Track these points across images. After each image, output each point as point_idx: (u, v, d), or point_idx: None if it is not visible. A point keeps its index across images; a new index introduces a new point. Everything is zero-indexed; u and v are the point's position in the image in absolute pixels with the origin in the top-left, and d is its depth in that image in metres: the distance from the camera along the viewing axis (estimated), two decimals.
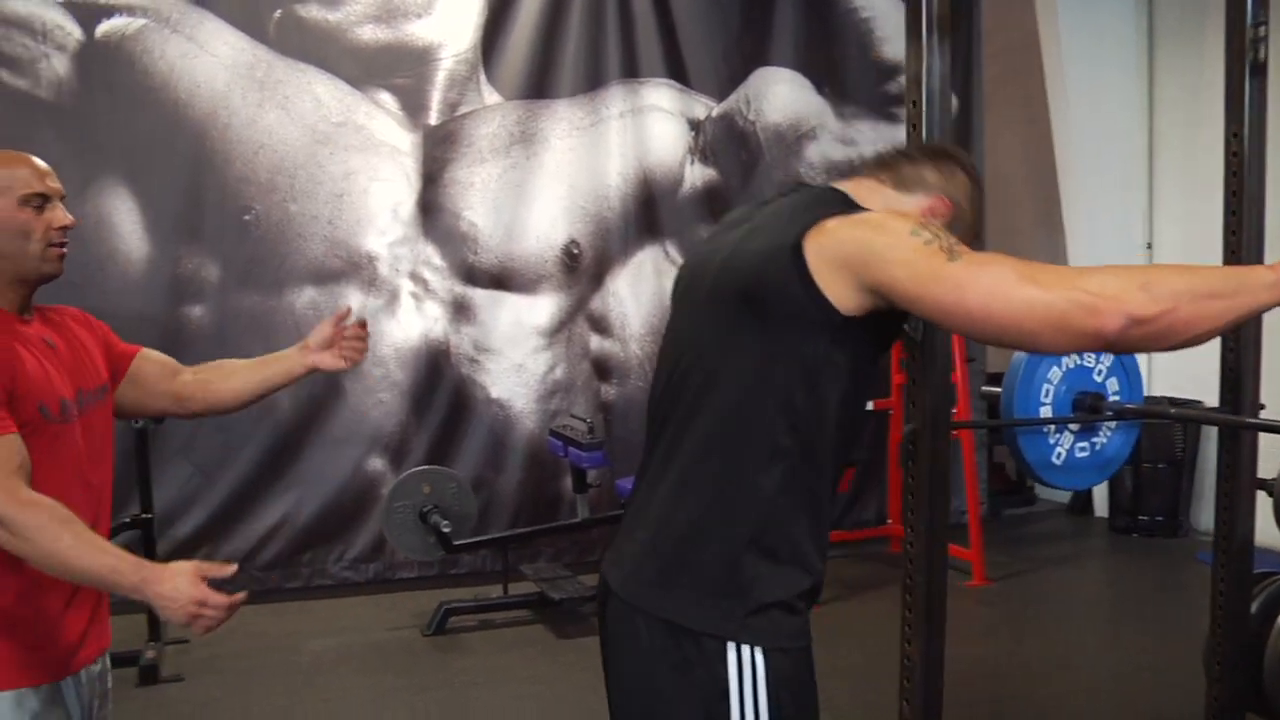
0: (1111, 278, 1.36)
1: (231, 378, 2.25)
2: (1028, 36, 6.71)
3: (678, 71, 6.03)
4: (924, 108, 2.46)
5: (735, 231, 1.69)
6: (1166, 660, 4.32)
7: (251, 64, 5.35)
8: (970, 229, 1.77)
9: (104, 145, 5.17)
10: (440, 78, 5.65)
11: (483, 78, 5.73)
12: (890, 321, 1.58)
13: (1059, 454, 2.93)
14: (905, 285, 1.45)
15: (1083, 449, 2.95)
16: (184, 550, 5.31)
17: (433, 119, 5.66)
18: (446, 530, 4.84)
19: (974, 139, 6.60)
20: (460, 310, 5.74)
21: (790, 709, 1.56)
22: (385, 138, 5.58)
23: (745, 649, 1.53)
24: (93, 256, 5.14)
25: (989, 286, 1.39)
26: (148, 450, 4.53)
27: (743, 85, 6.12)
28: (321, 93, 5.46)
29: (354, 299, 5.54)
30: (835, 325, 1.51)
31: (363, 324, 2.31)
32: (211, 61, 5.28)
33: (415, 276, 5.67)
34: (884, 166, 1.74)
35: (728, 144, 6.12)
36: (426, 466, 5.21)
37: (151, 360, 2.18)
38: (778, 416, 1.54)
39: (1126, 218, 6.64)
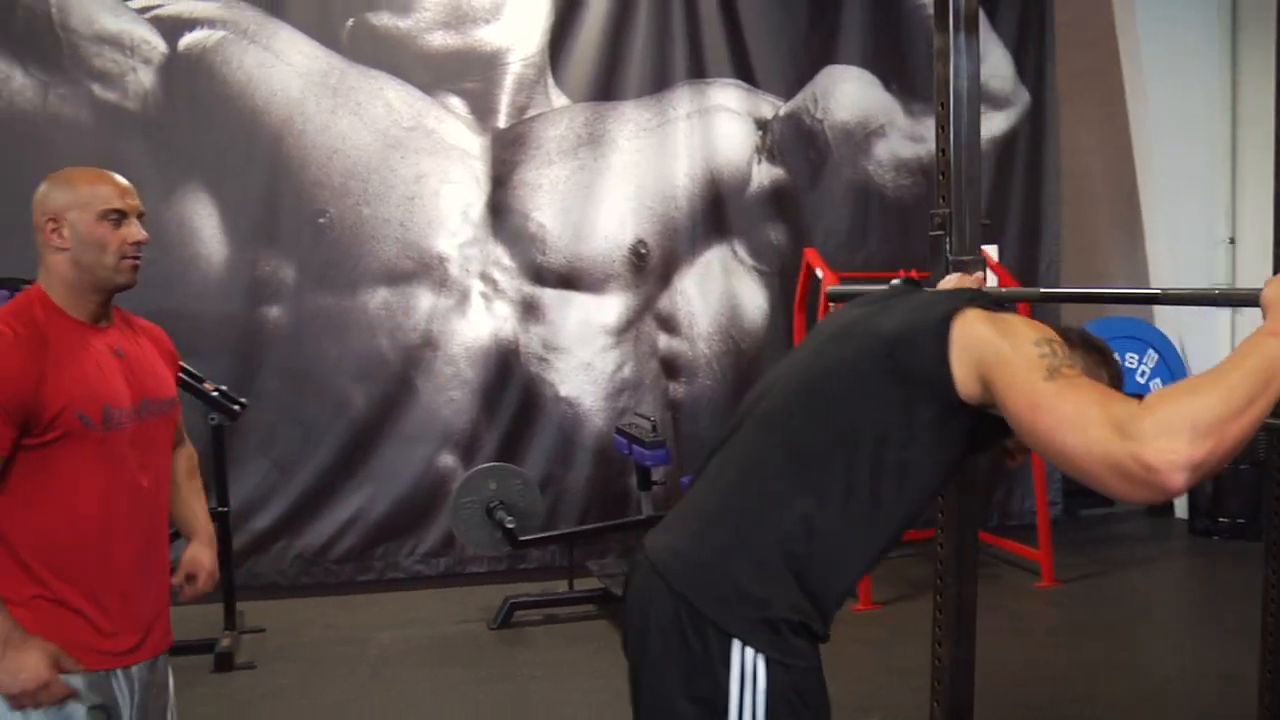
0: (1158, 425, 1.33)
1: (176, 489, 2.31)
2: (1107, 29, 6.58)
3: (744, 71, 6.05)
4: (951, 109, 2.46)
5: (882, 302, 1.80)
6: (1236, 666, 4.19)
7: (325, 71, 5.52)
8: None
9: (186, 153, 5.39)
10: (508, 81, 5.75)
11: (550, 81, 5.82)
12: (994, 423, 1.60)
13: None
14: (999, 386, 1.50)
15: None
16: (262, 543, 5.50)
17: (501, 122, 5.77)
18: (510, 526, 4.92)
19: (1047, 136, 6.50)
20: (529, 310, 5.83)
21: None
22: (455, 141, 5.70)
23: (749, 652, 1.58)
24: (176, 260, 5.35)
25: (1063, 414, 1.41)
26: (224, 446, 4.70)
27: (810, 84, 6.11)
28: (393, 98, 5.60)
29: (425, 299, 5.68)
30: (949, 402, 1.57)
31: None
32: (287, 70, 5.46)
33: (485, 277, 5.78)
34: (1075, 351, 1.78)
35: (795, 143, 6.12)
36: (493, 463, 5.30)
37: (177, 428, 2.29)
38: (862, 462, 1.60)
39: (1208, 212, 6.48)
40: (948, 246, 2.64)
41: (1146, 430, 1.33)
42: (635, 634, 1.72)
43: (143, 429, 2.04)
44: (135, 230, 2.01)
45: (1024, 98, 6.38)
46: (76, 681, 1.92)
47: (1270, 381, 1.37)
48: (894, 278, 5.82)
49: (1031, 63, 6.43)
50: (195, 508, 2.34)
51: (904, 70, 6.27)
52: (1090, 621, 4.96)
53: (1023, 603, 5.21)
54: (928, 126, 6.25)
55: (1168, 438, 1.32)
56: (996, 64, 6.37)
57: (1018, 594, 5.33)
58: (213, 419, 4.58)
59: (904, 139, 6.25)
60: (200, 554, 2.28)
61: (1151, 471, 1.32)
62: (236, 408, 4.61)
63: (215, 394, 4.55)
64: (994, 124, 6.39)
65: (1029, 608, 5.16)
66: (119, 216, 1.98)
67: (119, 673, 2.00)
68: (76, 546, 1.94)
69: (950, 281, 2.30)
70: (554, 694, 4.22)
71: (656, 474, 5.38)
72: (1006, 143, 6.40)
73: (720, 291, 6.05)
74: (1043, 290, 1.97)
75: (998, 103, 6.38)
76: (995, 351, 1.53)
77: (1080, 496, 6.82)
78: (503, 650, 4.75)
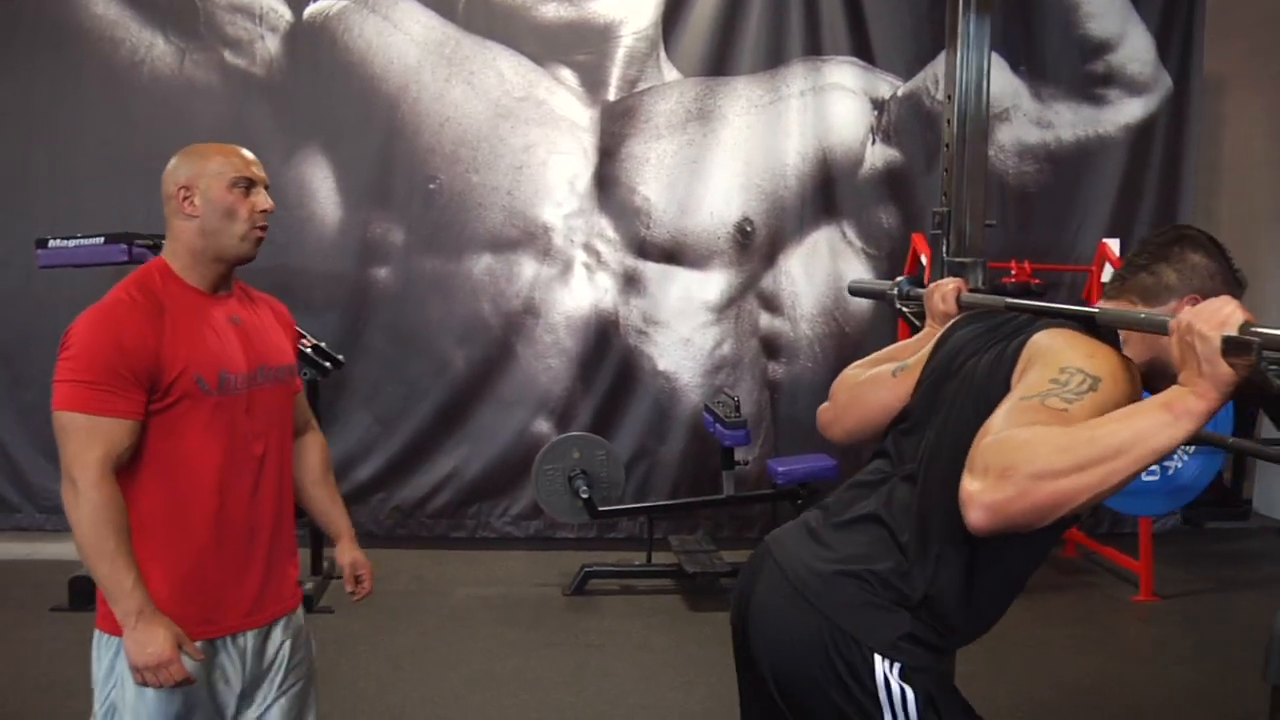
0: (983, 458, 1.36)
1: (310, 485, 2.38)
2: (1274, 9, 6.14)
3: (862, 49, 5.89)
4: (957, 101, 2.34)
5: (989, 343, 1.79)
6: None
7: (441, 41, 5.67)
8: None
9: (307, 117, 5.64)
10: (620, 54, 5.78)
11: (663, 54, 5.81)
12: None
13: None
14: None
15: (1150, 472, 2.73)
16: (363, 493, 5.75)
17: (611, 95, 5.81)
18: (585, 496, 5.00)
19: (1189, 125, 6.08)
20: (631, 282, 5.87)
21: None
22: (565, 113, 5.77)
23: (888, 664, 1.65)
24: (295, 219, 5.62)
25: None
26: (318, 401, 4.91)
27: (931, 64, 5.89)
28: (505, 68, 5.71)
29: (528, 267, 5.79)
30: None
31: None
32: (404, 39, 5.63)
33: (588, 248, 5.85)
34: (1127, 286, 1.74)
35: (913, 124, 5.93)
36: (577, 433, 5.39)
37: (299, 406, 2.32)
38: None
39: None
40: (944, 247, 2.54)
41: (974, 460, 1.36)
42: (768, 644, 1.77)
43: (258, 395, 2.10)
44: (263, 199, 2.09)
45: (1166, 83, 6.01)
46: (186, 661, 1.96)
47: (1124, 453, 1.34)
48: (1010, 267, 5.60)
49: (1177, 45, 6.02)
50: (334, 510, 2.43)
51: (1034, 51, 5.98)
52: (1180, 642, 4.68)
53: (1113, 616, 4.98)
54: (1056, 111, 5.99)
55: (980, 474, 1.34)
56: (1136, 46, 6.00)
57: (1111, 606, 5.09)
58: (305, 373, 4.80)
59: (1030, 124, 5.98)
60: (356, 554, 2.42)
61: (961, 503, 1.35)
62: (329, 365, 4.82)
63: (309, 350, 4.77)
64: (1131, 110, 6.03)
65: (1118, 621, 4.93)
66: (248, 185, 2.06)
67: (227, 640, 2.07)
68: (185, 513, 2.01)
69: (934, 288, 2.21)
70: (605, 662, 4.29)
71: (742, 454, 5.37)
72: (1143, 130, 6.03)
73: (826, 273, 5.95)
74: (1008, 302, 1.89)
75: (1135, 88, 6.01)
76: (1031, 366, 1.56)
77: (1206, 507, 6.42)
78: (569, 616, 4.85)
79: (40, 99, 5.51)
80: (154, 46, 5.53)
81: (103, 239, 4.70)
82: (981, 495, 1.32)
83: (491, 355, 5.82)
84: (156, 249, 4.68)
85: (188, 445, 1.99)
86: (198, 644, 2.00)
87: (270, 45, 5.58)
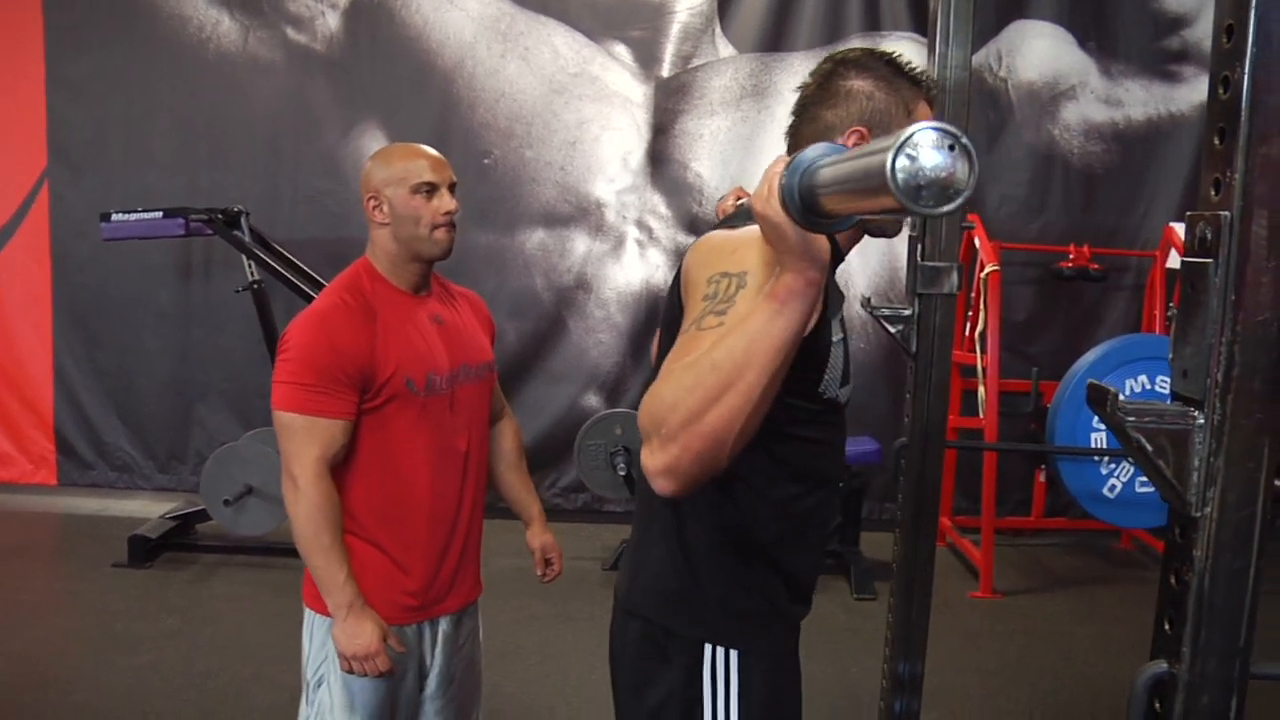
0: (640, 425, 1.23)
1: (505, 470, 2.49)
2: None
3: (922, 25, 5.73)
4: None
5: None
6: None
7: (496, 17, 5.71)
8: (904, 115, 1.53)
9: (365, 92, 5.74)
10: (675, 30, 5.74)
11: (718, 30, 5.76)
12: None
13: (1113, 486, 2.63)
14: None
15: (1145, 484, 2.63)
16: None
17: (665, 71, 5.78)
18: (624, 473, 5.05)
19: None
20: (683, 259, 5.85)
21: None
22: (618, 89, 5.77)
23: (720, 651, 1.55)
24: (353, 193, 5.72)
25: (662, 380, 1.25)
26: None
27: (994, 40, 5.74)
28: (560, 44, 5.73)
29: (581, 242, 5.83)
30: None
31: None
32: (460, 15, 5.68)
33: (641, 224, 5.86)
34: (797, 141, 1.59)
35: (974, 102, 5.77)
36: (621, 409, 5.42)
37: (494, 395, 2.37)
38: None
39: None
40: (920, 250, 2.50)
41: (640, 429, 1.24)
42: (610, 659, 1.70)
43: (460, 393, 2.17)
44: (446, 201, 2.13)
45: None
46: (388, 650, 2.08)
47: (750, 363, 1.17)
48: (1069, 250, 5.47)
49: None
50: (526, 495, 2.53)
51: (1106, 26, 5.75)
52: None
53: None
54: (1126, 89, 5.77)
55: (646, 442, 1.22)
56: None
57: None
58: None
59: (1097, 102, 5.77)
60: (546, 538, 2.50)
61: (646, 474, 1.23)
62: None
63: None
64: (1207, 89, 5.78)
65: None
66: (430, 189, 2.11)
67: (425, 625, 2.18)
68: (398, 505, 2.10)
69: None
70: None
71: None
72: None
73: (881, 252, 5.86)
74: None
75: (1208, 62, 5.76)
76: (688, 290, 1.40)
77: None
78: (603, 591, 4.89)
79: (114, 75, 5.71)
80: (220, 24, 5.68)
81: (161, 213, 4.88)
82: (653, 464, 1.20)
83: (543, 329, 5.89)
84: (210, 222, 4.85)
85: (398, 442, 2.08)
86: (409, 627, 2.13)
87: (330, 22, 5.69)
